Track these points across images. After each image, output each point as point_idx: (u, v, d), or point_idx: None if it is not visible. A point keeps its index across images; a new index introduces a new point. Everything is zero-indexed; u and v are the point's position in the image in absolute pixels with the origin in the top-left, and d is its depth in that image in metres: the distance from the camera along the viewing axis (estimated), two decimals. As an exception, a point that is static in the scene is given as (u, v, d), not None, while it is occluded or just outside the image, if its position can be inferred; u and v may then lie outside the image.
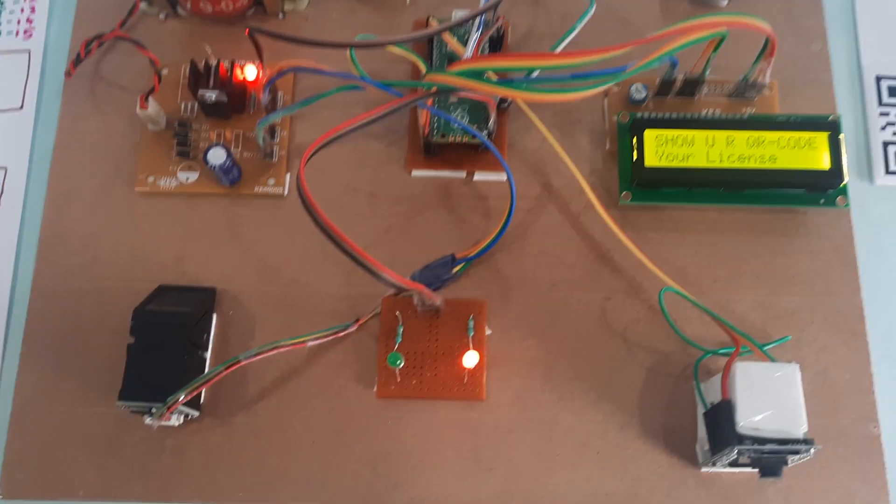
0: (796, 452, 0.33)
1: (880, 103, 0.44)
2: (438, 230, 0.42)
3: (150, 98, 0.41)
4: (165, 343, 0.37)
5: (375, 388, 0.39)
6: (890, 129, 0.44)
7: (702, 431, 0.38)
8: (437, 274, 0.41)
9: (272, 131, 0.43)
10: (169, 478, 0.38)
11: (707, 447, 0.37)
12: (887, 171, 0.43)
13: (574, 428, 0.39)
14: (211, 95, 0.41)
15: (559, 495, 0.38)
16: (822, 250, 0.42)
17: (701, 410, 0.38)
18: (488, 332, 0.40)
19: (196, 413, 0.39)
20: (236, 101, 0.42)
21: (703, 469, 0.38)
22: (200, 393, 0.39)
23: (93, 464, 0.39)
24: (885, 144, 0.44)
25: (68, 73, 0.43)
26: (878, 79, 0.45)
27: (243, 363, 0.36)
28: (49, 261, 0.41)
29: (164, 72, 0.43)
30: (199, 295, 0.40)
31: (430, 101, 0.37)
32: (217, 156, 0.40)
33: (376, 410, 0.39)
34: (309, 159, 0.33)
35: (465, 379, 0.39)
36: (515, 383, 0.40)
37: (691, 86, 0.42)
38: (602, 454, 0.39)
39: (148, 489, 0.38)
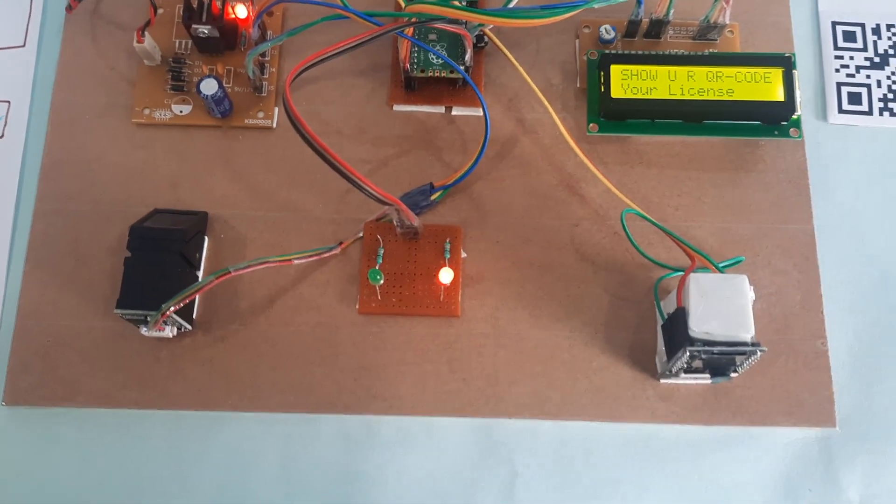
0: (743, 353, 0.36)
1: (836, 47, 0.47)
2: (418, 162, 0.45)
3: (146, 33, 0.43)
4: (160, 257, 0.39)
5: (357, 305, 0.42)
6: (844, 72, 0.47)
7: (661, 345, 0.41)
8: (415, 201, 0.43)
9: (262, 67, 0.45)
10: (164, 387, 0.41)
11: (665, 358, 0.39)
12: (840, 111, 0.46)
13: (543, 343, 0.42)
14: (204, 30, 0.43)
15: (527, 404, 0.41)
16: (777, 182, 0.44)
17: (660, 323, 0.41)
18: (464, 255, 0.43)
19: (189, 327, 0.41)
20: (228, 37, 0.45)
21: (663, 381, 0.41)
22: (193, 307, 0.41)
23: (92, 373, 0.41)
24: (839, 85, 0.47)
25: (69, 8, 0.45)
26: (834, 24, 0.48)
27: (233, 274, 0.39)
28: (51, 186, 0.44)
29: (160, 11, 0.46)
30: (191, 217, 0.42)
31: (410, 31, 0.40)
32: (209, 86, 0.42)
33: (358, 326, 0.42)
34: (294, 79, 0.36)
35: (442, 297, 0.42)
36: (489, 302, 0.43)
37: (657, 27, 0.45)
38: (568, 366, 0.42)
39: (143, 397, 0.41)
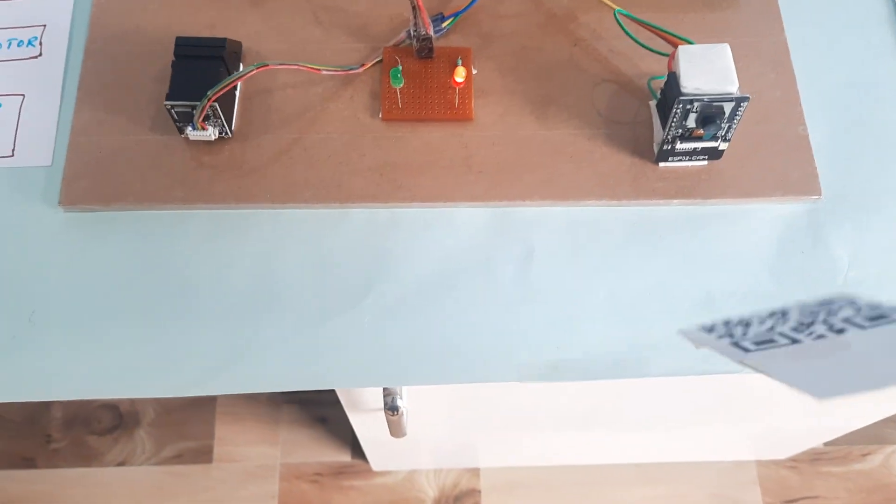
0: (730, 101, 0.41)
1: None
2: (430, 1, 0.50)
3: None
4: (203, 61, 0.44)
5: (381, 114, 0.46)
6: (803, -80, 0.53)
7: (657, 126, 0.45)
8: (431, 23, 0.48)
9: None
10: (206, 186, 0.45)
11: (661, 135, 0.44)
12: (802, -50, 0.52)
13: (549, 140, 0.46)
14: None
15: (538, 190, 0.45)
16: (750, 3, 0.50)
17: (654, 105, 0.45)
18: (474, 71, 0.48)
19: (230, 133, 0.45)
20: None
21: (661, 164, 0.45)
22: (232, 116, 0.46)
23: (140, 177, 0.45)
24: (800, -70, 0.52)
25: None
26: None
27: (270, 67, 0.43)
28: (100, 30, 0.49)
29: None
30: (230, 41, 0.47)
31: None
32: (243, -69, 0.48)
33: (382, 131, 0.46)
34: None
35: (457, 103, 0.46)
36: (499, 109, 0.47)
37: None
38: (574, 157, 0.46)
39: (188, 195, 0.45)
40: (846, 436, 0.92)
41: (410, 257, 0.44)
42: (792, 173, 0.45)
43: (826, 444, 0.99)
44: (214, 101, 0.42)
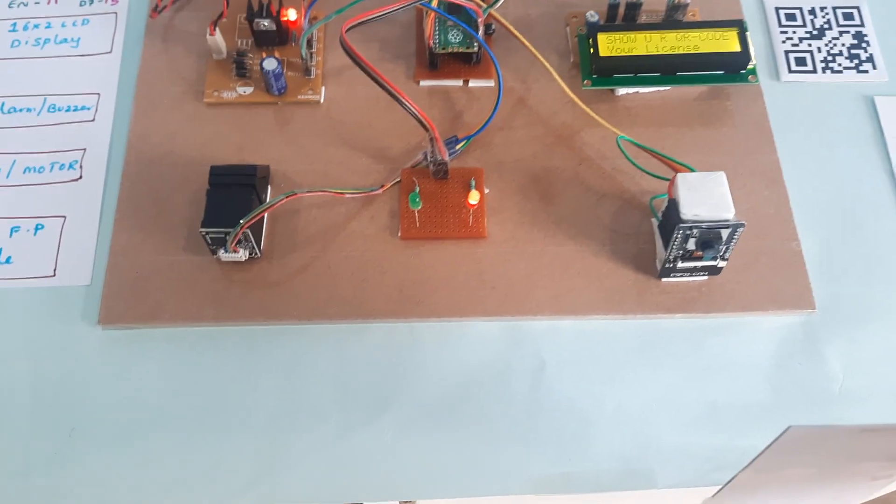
0: (726, 227, 0.44)
1: (780, 25, 0.57)
2: (443, 124, 0.54)
3: (217, 29, 0.53)
4: (236, 189, 0.47)
5: (399, 233, 0.50)
6: (789, 42, 0.57)
7: (659, 245, 0.48)
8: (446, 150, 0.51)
9: (311, 56, 0.55)
10: (236, 304, 0.48)
11: (663, 253, 0.47)
12: (790, 71, 0.56)
13: (558, 256, 0.49)
14: (264, 23, 0.53)
15: (547, 304, 0.48)
16: (743, 123, 0.53)
17: (656, 225, 0.48)
18: (486, 190, 0.51)
19: (259, 253, 0.48)
20: (282, 33, 0.54)
21: (664, 279, 0.48)
22: (261, 237, 0.49)
23: (174, 296, 0.48)
24: (787, 52, 0.56)
25: (155, 10, 0.55)
26: (777, 8, 0.58)
27: (298, 196, 0.47)
28: (136, 154, 0.52)
29: (224, 20, 0.56)
30: (259, 166, 0.50)
31: (434, 2, 0.50)
32: (270, 63, 0.52)
33: (400, 249, 0.49)
34: (348, 30, 0.45)
35: (471, 222, 0.50)
36: (510, 227, 0.50)
37: (632, 10, 0.55)
38: (581, 273, 0.49)
39: (220, 313, 0.48)
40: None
41: (428, 371, 0.47)
42: (787, 287, 0.48)
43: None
44: (247, 227, 0.45)
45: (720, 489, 0.38)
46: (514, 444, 0.45)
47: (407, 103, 0.44)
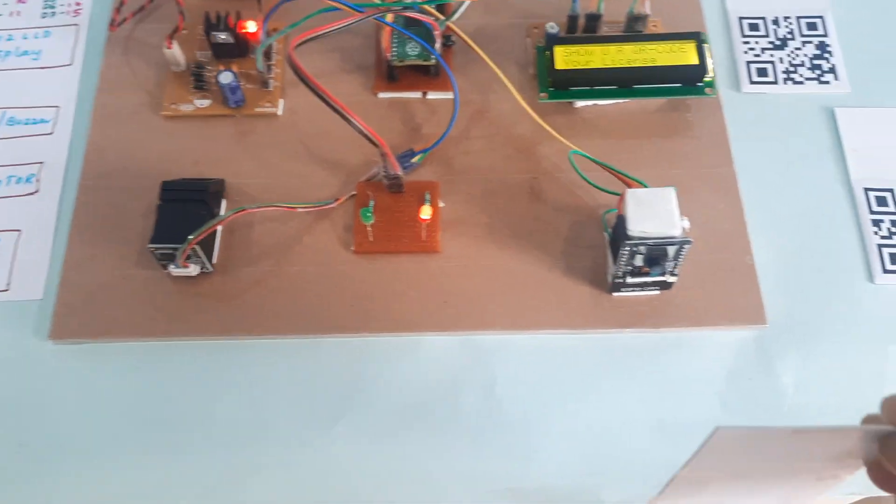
0: (672, 244, 0.43)
1: (742, 35, 0.57)
2: (400, 136, 0.53)
3: (174, 42, 0.53)
4: (187, 204, 0.47)
5: (353, 247, 0.50)
6: (751, 53, 0.56)
7: (610, 260, 0.48)
8: (400, 163, 0.51)
9: (268, 68, 0.55)
10: (190, 318, 0.48)
11: (613, 268, 0.47)
12: (751, 82, 0.55)
13: (511, 270, 0.49)
14: (222, 35, 0.53)
15: (502, 319, 0.48)
16: (702, 135, 0.53)
17: (607, 241, 0.48)
18: (441, 204, 0.51)
19: (210, 268, 0.48)
20: (240, 45, 0.54)
21: (615, 294, 0.48)
22: (213, 252, 0.49)
23: (127, 310, 0.48)
24: (748, 63, 0.56)
25: (113, 24, 0.55)
26: (741, 18, 0.58)
27: (248, 211, 0.47)
28: (93, 167, 0.52)
29: (184, 32, 0.56)
30: (212, 180, 0.50)
31: (390, 17, 0.50)
32: (226, 77, 0.52)
33: (354, 263, 0.49)
34: (296, 47, 0.45)
35: (424, 236, 0.50)
36: (465, 240, 0.50)
37: (592, 21, 0.55)
38: (536, 287, 0.49)
39: (173, 327, 0.48)
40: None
41: (382, 385, 0.47)
42: (739, 302, 0.48)
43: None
44: (195, 244, 0.45)
45: (659, 493, 0.38)
46: (464, 459, 0.45)
47: (354, 121, 0.44)
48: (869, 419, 0.31)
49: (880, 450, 0.30)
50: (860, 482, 0.32)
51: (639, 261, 0.45)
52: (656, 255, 0.44)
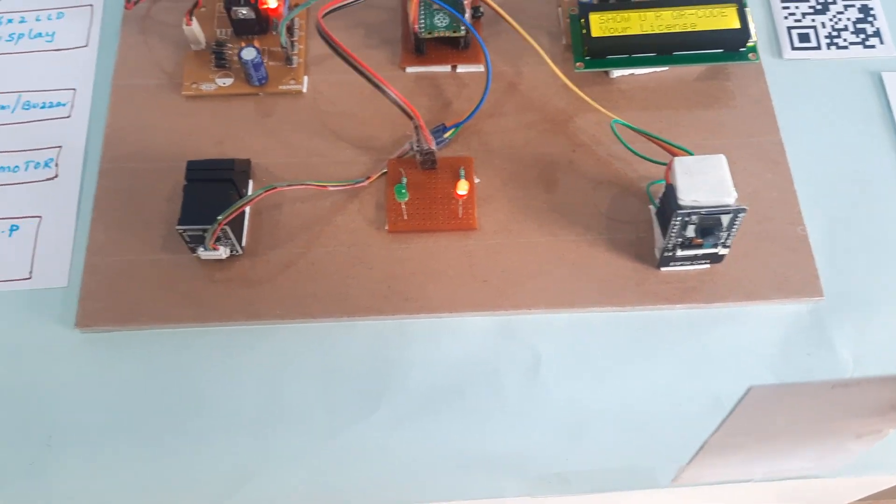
0: (727, 213, 0.41)
1: (782, 0, 0.55)
2: (431, 112, 0.51)
3: (194, 19, 0.51)
4: (213, 183, 0.45)
5: (387, 226, 0.48)
6: (792, 18, 0.54)
7: (657, 233, 0.46)
8: (432, 139, 0.49)
9: (292, 44, 0.53)
10: (218, 303, 0.46)
11: (662, 242, 0.44)
12: (793, 48, 0.53)
13: (552, 246, 0.47)
14: (243, 11, 0.51)
15: (542, 297, 0.46)
16: (744, 103, 0.51)
17: (654, 213, 0.46)
18: (477, 180, 0.49)
19: (240, 250, 0.46)
20: (262, 21, 0.52)
21: (663, 269, 0.46)
22: (242, 234, 0.47)
23: (153, 297, 0.46)
24: (789, 29, 0.54)
25: (129, 2, 0.53)
26: (779, -17, 0.56)
27: (278, 189, 0.45)
28: (113, 149, 0.50)
29: (203, 10, 0.54)
30: (238, 161, 0.48)
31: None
32: (249, 53, 0.50)
33: (387, 243, 0.47)
34: (325, 14, 0.43)
35: (460, 213, 0.48)
36: (501, 217, 0.48)
37: (626, -11, 0.53)
38: (577, 263, 0.47)
39: (200, 313, 0.46)
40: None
41: (419, 370, 0.45)
42: (793, 275, 0.46)
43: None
44: (225, 224, 0.43)
45: (693, 456, 0.37)
46: (508, 444, 0.43)
47: (389, 91, 0.42)
48: None
49: None
50: None
51: (690, 232, 0.43)
52: (709, 224, 0.42)
